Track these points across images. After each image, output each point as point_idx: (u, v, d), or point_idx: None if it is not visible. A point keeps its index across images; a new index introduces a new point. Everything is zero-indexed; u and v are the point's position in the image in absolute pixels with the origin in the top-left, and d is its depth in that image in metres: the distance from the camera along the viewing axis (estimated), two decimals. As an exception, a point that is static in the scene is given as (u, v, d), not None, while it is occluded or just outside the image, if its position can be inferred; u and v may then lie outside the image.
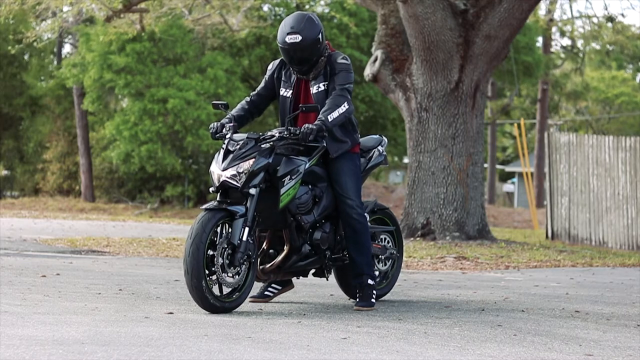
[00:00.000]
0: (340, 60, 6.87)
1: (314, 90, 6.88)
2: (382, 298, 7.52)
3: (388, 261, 7.57)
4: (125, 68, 28.97)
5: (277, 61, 7.08)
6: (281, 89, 6.98)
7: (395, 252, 7.60)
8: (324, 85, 6.87)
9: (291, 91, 6.92)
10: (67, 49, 39.29)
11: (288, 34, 6.73)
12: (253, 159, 6.51)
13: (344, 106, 6.73)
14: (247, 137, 6.60)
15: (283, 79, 6.98)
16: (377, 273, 7.47)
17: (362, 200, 7.07)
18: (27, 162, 35.34)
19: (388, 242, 7.57)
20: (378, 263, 7.48)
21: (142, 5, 21.49)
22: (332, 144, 6.91)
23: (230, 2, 23.27)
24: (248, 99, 7.08)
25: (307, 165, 6.78)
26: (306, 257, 6.88)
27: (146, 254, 11.99)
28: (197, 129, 28.64)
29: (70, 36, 36.29)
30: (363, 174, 7.29)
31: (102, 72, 29.05)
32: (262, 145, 6.60)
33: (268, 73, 7.08)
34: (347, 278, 7.23)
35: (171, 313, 6.31)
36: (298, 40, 6.70)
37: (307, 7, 30.98)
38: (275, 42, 30.35)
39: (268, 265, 6.81)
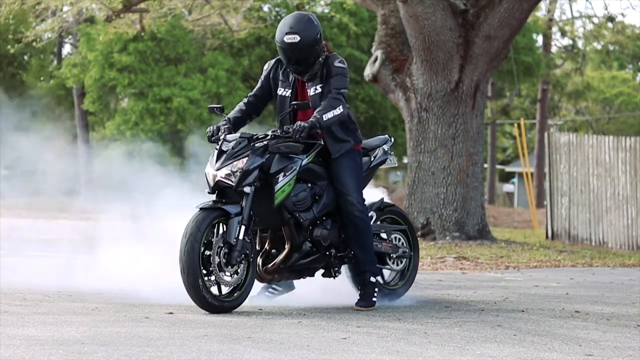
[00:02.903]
0: (337, 64, 6.89)
1: (310, 92, 6.91)
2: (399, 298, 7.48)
3: (401, 260, 7.54)
4: (128, 67, 28.98)
5: (273, 61, 7.10)
6: (279, 88, 7.00)
7: (408, 251, 7.57)
8: (320, 87, 6.89)
9: (290, 90, 6.95)
10: (67, 49, 39.31)
11: (286, 33, 6.76)
12: (246, 158, 6.53)
13: (339, 109, 6.77)
14: (240, 137, 6.63)
15: (281, 78, 7.00)
16: (390, 272, 7.48)
17: (364, 197, 7.07)
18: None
19: (400, 241, 7.54)
20: (391, 262, 7.47)
21: (142, 5, 21.48)
22: (334, 144, 6.92)
23: (230, 3, 23.27)
24: (245, 100, 7.10)
25: (303, 162, 6.79)
26: (307, 255, 6.88)
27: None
28: (199, 128, 28.66)
29: (70, 36, 36.29)
30: (367, 172, 7.30)
31: (104, 71, 29.07)
32: (256, 144, 6.62)
33: (264, 73, 7.10)
34: None
35: (171, 313, 6.31)
36: (296, 40, 6.73)
37: (307, 7, 30.99)
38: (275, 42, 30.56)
39: (270, 265, 6.82)
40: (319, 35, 6.81)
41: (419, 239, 14.56)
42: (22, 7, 21.07)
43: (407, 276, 7.61)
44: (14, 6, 20.42)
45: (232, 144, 6.59)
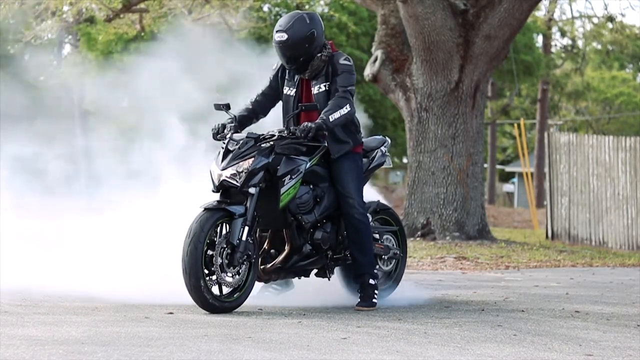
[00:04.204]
0: (342, 62, 6.88)
1: (315, 90, 6.90)
2: (386, 298, 7.50)
3: (391, 261, 7.56)
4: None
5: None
6: (285, 87, 7.01)
7: (398, 252, 7.58)
8: (325, 85, 6.88)
9: (294, 89, 6.95)
10: (67, 49, 39.30)
11: (276, 32, 6.81)
12: (252, 158, 6.52)
13: (346, 108, 6.74)
14: (246, 137, 6.61)
15: (287, 77, 7.02)
16: (379, 273, 7.48)
17: (364, 200, 7.07)
18: (27, 162, 35.35)
19: (391, 242, 7.55)
20: (382, 263, 7.47)
21: (142, 5, 21.49)
22: (334, 145, 6.91)
23: (230, 2, 23.28)
24: (253, 99, 7.10)
25: (307, 165, 6.78)
26: (307, 257, 6.88)
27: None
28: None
29: (70, 36, 36.29)
30: (365, 174, 7.29)
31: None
32: (262, 145, 6.61)
33: (272, 72, 7.12)
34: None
35: (171, 313, 6.30)
36: (284, 39, 6.77)
37: (306, 7, 31.00)
38: (275, 42, 30.59)
39: (269, 265, 6.81)
40: (311, 33, 6.79)
41: (419, 239, 14.68)
42: (22, 7, 21.07)
43: (394, 277, 7.62)
44: (14, 6, 20.41)
45: (238, 143, 6.58)
